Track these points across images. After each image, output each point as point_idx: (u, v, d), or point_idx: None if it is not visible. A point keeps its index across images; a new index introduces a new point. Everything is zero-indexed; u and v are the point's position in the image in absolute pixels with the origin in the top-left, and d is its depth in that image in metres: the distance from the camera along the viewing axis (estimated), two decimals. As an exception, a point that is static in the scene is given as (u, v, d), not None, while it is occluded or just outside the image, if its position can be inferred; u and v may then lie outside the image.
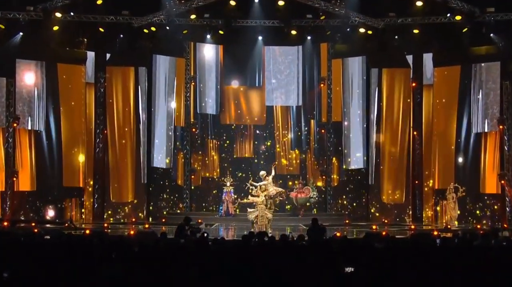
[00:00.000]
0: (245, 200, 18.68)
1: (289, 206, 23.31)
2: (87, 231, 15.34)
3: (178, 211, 23.42)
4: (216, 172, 24.87)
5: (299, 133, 24.90)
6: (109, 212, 22.71)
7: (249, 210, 17.73)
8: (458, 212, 20.93)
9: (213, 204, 24.44)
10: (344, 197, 23.93)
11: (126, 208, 22.73)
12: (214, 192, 24.55)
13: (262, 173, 19.34)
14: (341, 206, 23.91)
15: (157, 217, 22.85)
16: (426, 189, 22.97)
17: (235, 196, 22.19)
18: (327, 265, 7.38)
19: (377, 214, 22.87)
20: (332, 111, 24.02)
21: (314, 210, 23.72)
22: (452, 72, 22.23)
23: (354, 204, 23.78)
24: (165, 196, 23.80)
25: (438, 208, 22.38)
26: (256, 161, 24.93)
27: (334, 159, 24.16)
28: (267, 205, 17.77)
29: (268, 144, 25.03)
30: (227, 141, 25.17)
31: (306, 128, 24.87)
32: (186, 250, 8.42)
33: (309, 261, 7.68)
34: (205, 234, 11.66)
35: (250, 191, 18.16)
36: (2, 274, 6.92)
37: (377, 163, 22.86)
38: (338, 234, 12.83)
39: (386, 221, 22.02)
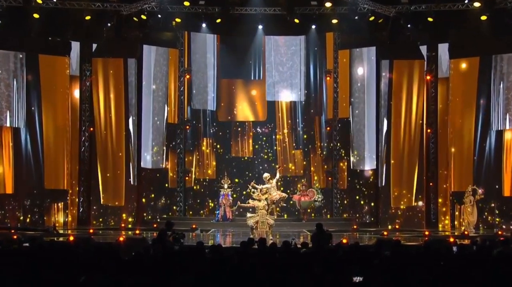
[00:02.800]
0: (245, 204, 18.66)
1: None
2: (72, 238, 15.34)
3: (171, 215, 23.38)
4: (212, 173, 24.90)
5: (303, 131, 24.91)
6: (96, 217, 22.68)
7: (248, 215, 17.77)
8: (475, 212, 20.73)
9: (209, 207, 24.48)
10: (351, 200, 23.93)
11: (114, 212, 22.71)
12: (210, 194, 24.56)
13: (266, 175, 19.35)
14: (349, 210, 23.92)
15: (148, 222, 22.84)
16: (441, 191, 22.98)
17: (233, 198, 22.19)
18: (333, 274, 7.39)
19: (387, 219, 22.86)
20: (339, 107, 24.03)
21: (318, 211, 23.74)
22: (470, 64, 22.21)
23: (363, 208, 23.78)
24: (157, 199, 23.79)
25: (455, 213, 22.36)
26: (256, 161, 24.94)
27: (340, 158, 24.17)
28: (268, 210, 17.79)
29: (269, 138, 25.02)
30: (224, 139, 25.17)
31: (311, 125, 24.88)
32: (180, 258, 8.43)
33: (314, 270, 7.69)
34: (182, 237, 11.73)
35: (251, 193, 18.15)
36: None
37: (388, 163, 22.83)
38: (344, 241, 12.83)
39: (397, 227, 22.04)
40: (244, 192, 18.98)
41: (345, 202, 24.02)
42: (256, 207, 17.43)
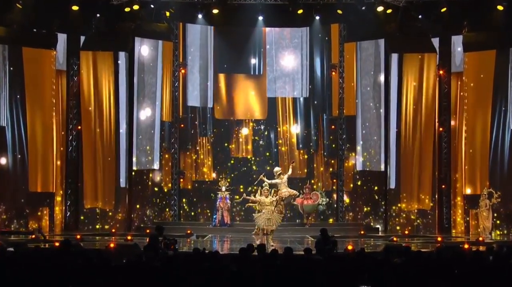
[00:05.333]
0: (251, 197, 18.54)
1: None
2: (57, 244, 15.32)
3: (165, 220, 23.39)
4: (209, 174, 24.91)
5: (306, 130, 24.92)
6: (84, 222, 22.69)
7: (255, 215, 17.82)
8: (491, 217, 20.71)
9: (206, 211, 24.50)
10: (358, 203, 23.95)
11: (104, 216, 22.73)
12: (206, 197, 24.57)
13: (277, 169, 19.35)
14: (355, 214, 23.94)
15: (140, 227, 22.86)
16: (454, 194, 23.00)
17: (231, 202, 22.21)
18: (338, 283, 7.40)
19: (397, 224, 22.89)
20: (345, 104, 24.02)
21: (322, 215, 23.75)
22: (485, 58, 22.22)
23: (370, 212, 23.80)
24: (149, 203, 23.79)
25: (469, 217, 22.38)
26: (255, 161, 24.95)
27: (346, 159, 24.18)
28: (275, 207, 17.82)
29: (269, 137, 25.01)
30: (222, 138, 25.18)
31: (314, 123, 24.90)
32: (175, 266, 8.44)
33: (318, 278, 7.70)
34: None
35: (262, 185, 18.06)
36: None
37: (397, 164, 22.86)
38: (350, 247, 12.87)
39: (407, 232, 22.05)
40: (257, 194, 18.99)
41: (351, 205, 24.03)
42: (262, 202, 17.47)
